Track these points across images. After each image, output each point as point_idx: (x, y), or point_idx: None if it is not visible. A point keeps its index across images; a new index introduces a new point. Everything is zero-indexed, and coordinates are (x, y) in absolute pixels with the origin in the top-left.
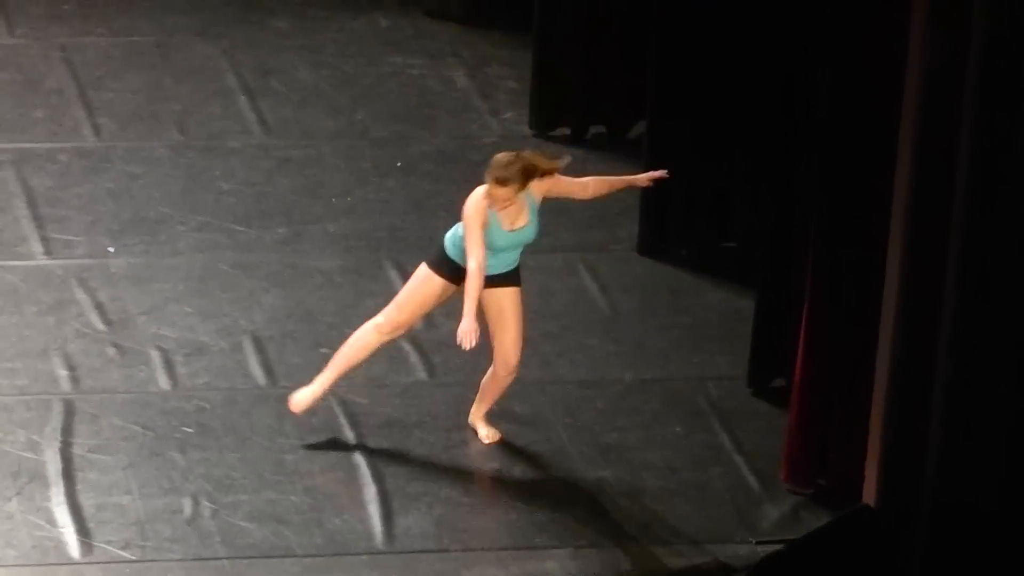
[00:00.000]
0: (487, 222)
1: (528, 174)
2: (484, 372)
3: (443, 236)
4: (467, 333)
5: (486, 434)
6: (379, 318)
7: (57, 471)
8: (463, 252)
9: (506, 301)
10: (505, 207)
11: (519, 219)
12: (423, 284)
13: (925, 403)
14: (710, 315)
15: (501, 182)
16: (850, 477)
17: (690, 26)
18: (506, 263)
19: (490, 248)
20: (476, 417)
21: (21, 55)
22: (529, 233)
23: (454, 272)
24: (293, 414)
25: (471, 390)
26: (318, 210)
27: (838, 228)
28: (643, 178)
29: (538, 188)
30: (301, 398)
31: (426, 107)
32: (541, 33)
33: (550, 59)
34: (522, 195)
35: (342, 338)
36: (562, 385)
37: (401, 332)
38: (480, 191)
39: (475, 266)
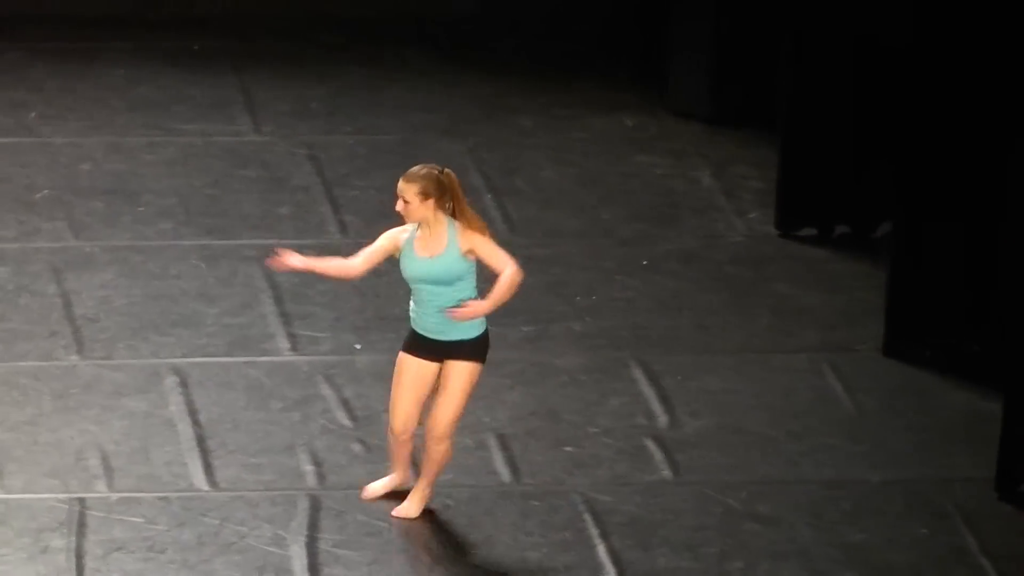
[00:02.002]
0: (400, 247)
1: (440, 191)
2: (730, 469)
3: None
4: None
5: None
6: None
7: (303, 566)
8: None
9: (457, 374)
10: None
11: (436, 248)
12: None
13: None
14: (955, 416)
15: (423, 195)
16: None
17: (938, 126)
18: (437, 322)
19: (405, 277)
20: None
21: (267, 153)
22: (442, 266)
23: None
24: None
25: (715, 489)
26: (562, 308)
27: None
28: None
29: (466, 236)
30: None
31: (671, 206)
32: (787, 133)
33: (796, 158)
34: (446, 228)
35: (585, 436)
36: (806, 485)
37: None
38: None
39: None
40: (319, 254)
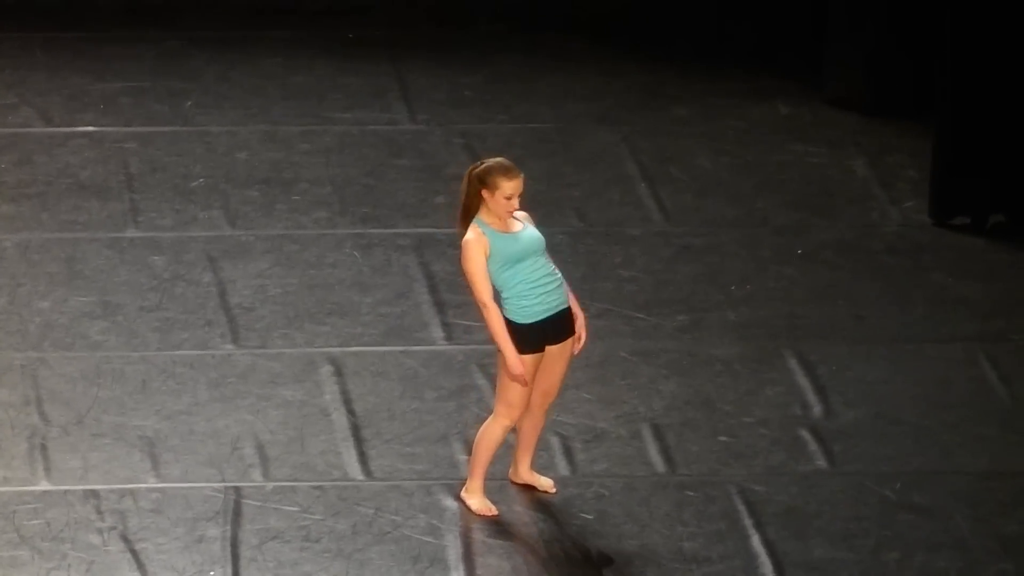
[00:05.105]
0: (488, 248)
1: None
2: (885, 460)
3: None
4: (517, 369)
5: (549, 484)
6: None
7: (457, 556)
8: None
9: (559, 352)
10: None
11: (513, 225)
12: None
13: None
14: None
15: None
16: None
17: None
18: (558, 296)
19: (514, 260)
20: (524, 471)
21: (423, 141)
22: (533, 233)
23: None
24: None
25: (870, 480)
26: (718, 297)
27: None
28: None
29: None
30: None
31: (826, 195)
32: (942, 122)
33: (950, 147)
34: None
35: (740, 426)
36: (962, 476)
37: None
38: (468, 231)
39: (487, 302)
40: None
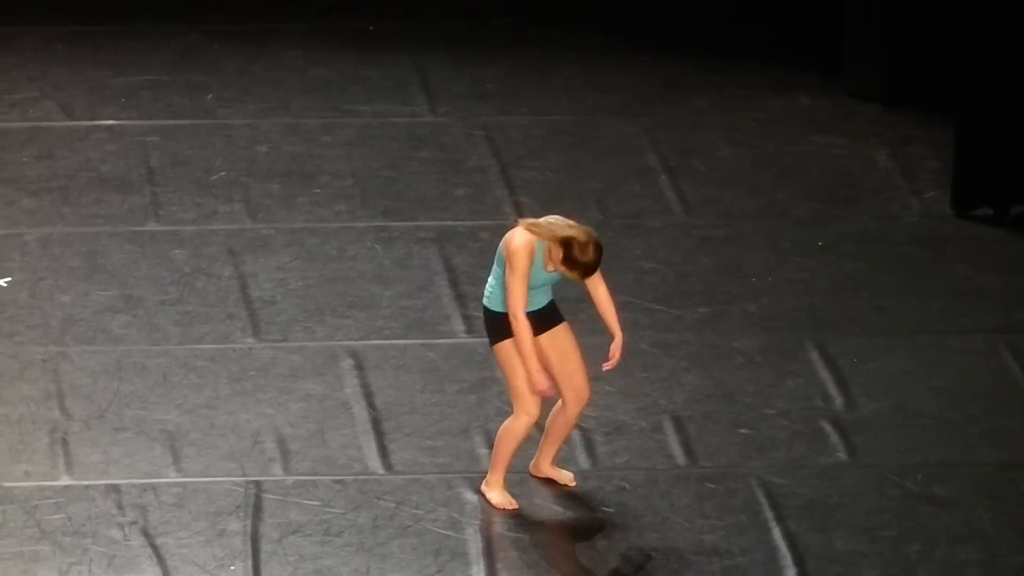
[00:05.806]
0: (531, 263)
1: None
2: (906, 452)
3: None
4: (541, 384)
5: (570, 477)
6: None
7: (478, 549)
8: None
9: (563, 338)
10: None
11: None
12: (514, 359)
13: None
14: None
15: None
16: None
17: None
18: (546, 298)
19: (531, 287)
20: (545, 465)
21: (443, 134)
22: (559, 275)
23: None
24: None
25: (892, 472)
26: (738, 289)
27: None
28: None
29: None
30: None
31: (847, 187)
32: (963, 112)
33: (971, 138)
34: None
35: (761, 418)
36: (983, 468)
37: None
38: (526, 235)
39: (520, 315)
40: (494, 235)
